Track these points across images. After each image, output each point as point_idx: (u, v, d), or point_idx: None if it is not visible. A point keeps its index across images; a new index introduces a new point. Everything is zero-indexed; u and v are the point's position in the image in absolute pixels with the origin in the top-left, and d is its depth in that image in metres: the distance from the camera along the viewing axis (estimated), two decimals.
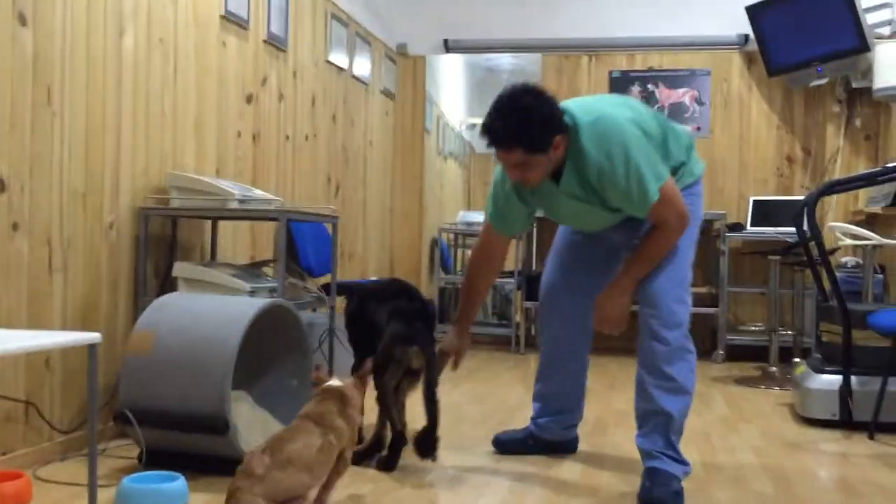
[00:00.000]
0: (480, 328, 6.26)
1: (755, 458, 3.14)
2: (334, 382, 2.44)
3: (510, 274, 6.27)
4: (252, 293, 3.27)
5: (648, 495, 2.54)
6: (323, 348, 3.75)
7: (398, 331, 2.85)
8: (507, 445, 3.12)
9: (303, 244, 4.55)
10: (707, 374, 5.27)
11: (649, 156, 2.52)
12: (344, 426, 2.34)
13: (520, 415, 3.83)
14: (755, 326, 5.98)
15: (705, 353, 6.19)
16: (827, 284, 4.15)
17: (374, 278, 6.09)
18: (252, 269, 3.56)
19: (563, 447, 3.13)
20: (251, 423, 2.89)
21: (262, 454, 2.17)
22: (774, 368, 5.00)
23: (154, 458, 2.77)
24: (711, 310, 5.85)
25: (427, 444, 2.79)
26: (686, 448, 3.25)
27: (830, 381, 3.78)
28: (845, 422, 3.73)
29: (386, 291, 3.03)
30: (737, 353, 5.98)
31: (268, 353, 3.15)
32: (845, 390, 3.71)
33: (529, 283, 5.99)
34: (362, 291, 3.14)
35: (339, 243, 5.38)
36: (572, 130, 2.52)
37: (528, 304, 5.98)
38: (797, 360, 5.22)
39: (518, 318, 6.07)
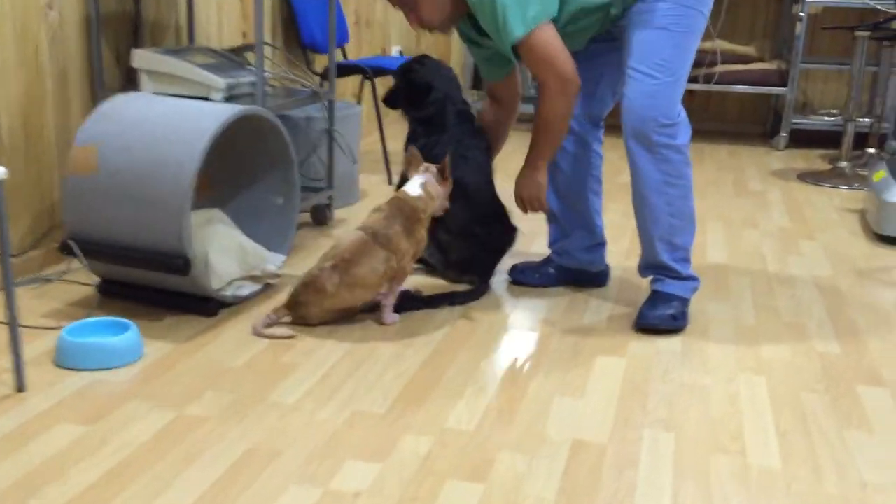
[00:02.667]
0: None
1: (818, 297, 2.68)
2: (413, 184, 2.35)
3: None
4: (229, 91, 2.74)
5: (642, 321, 2.36)
6: (320, 153, 3.24)
7: (458, 256, 2.65)
8: (525, 275, 2.69)
9: (304, 14, 3.91)
10: (767, 166, 4.70)
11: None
12: (408, 247, 2.31)
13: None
14: (825, 110, 5.28)
15: (767, 136, 5.57)
16: None
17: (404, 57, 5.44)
18: (233, 57, 2.99)
19: (591, 278, 2.69)
20: (226, 249, 2.47)
21: (332, 272, 2.22)
22: (845, 164, 4.40)
23: (112, 291, 2.41)
24: (779, 90, 5.16)
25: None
26: (738, 277, 2.79)
27: None
28: None
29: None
30: (801, 138, 5.35)
31: (251, 163, 2.68)
32: None
33: None
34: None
35: (353, 9, 4.70)
36: None
37: None
38: (871, 150, 4.62)
39: None
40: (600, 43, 2.43)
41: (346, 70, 3.93)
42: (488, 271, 2.66)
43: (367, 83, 3.99)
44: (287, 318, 2.28)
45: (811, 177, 4.38)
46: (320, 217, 3.26)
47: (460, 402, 1.92)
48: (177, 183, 2.18)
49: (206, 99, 2.70)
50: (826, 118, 4.76)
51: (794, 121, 5.19)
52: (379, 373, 2.05)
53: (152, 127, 2.27)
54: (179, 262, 2.19)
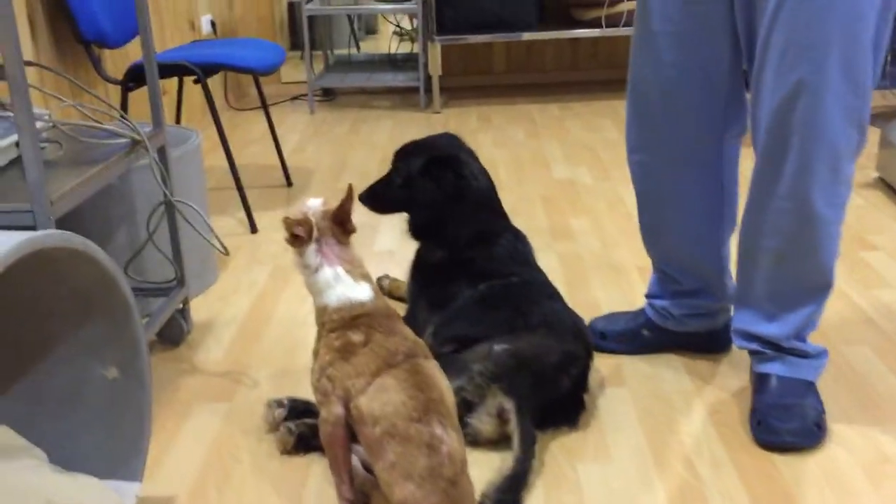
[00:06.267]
0: (373, 76, 4.46)
1: None
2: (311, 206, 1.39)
3: None
4: None
5: (772, 437, 1.50)
6: (157, 239, 1.91)
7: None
8: (611, 338, 1.85)
9: None
10: None
11: None
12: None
13: None
14: None
15: None
16: None
17: None
18: None
19: (703, 342, 1.84)
20: None
21: (446, 427, 1.27)
22: None
23: None
24: None
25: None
26: (853, 348, 1.80)
27: None
28: None
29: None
30: None
31: (44, 311, 1.39)
32: None
33: (441, 5, 4.15)
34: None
35: None
36: None
37: (442, 38, 4.16)
38: None
39: (430, 55, 4.28)
40: None
41: (160, 72, 2.60)
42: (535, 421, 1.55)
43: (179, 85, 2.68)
44: None
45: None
46: (173, 333, 1.99)
47: None
48: None
49: None
50: None
51: None
52: None
53: None
54: None
